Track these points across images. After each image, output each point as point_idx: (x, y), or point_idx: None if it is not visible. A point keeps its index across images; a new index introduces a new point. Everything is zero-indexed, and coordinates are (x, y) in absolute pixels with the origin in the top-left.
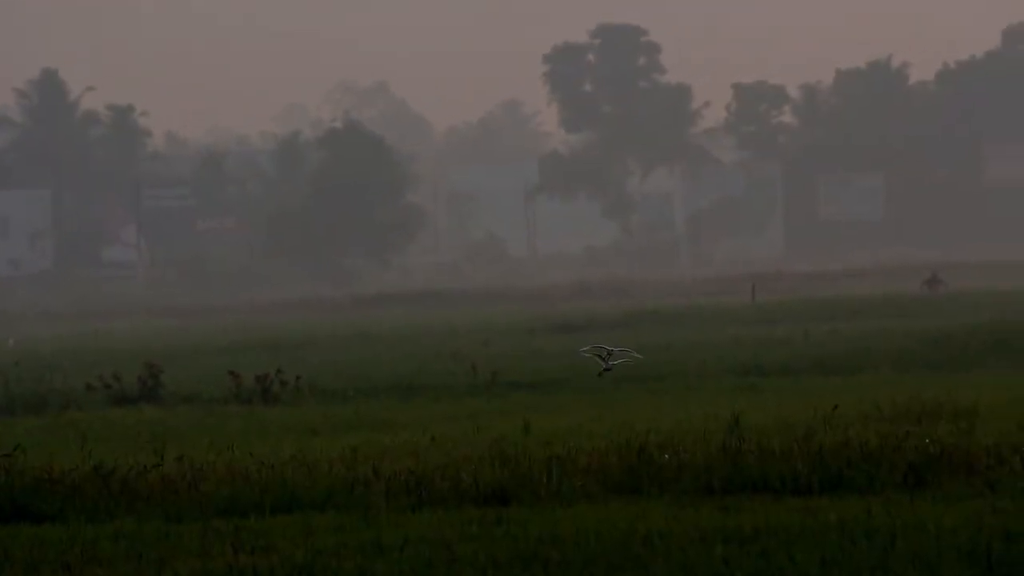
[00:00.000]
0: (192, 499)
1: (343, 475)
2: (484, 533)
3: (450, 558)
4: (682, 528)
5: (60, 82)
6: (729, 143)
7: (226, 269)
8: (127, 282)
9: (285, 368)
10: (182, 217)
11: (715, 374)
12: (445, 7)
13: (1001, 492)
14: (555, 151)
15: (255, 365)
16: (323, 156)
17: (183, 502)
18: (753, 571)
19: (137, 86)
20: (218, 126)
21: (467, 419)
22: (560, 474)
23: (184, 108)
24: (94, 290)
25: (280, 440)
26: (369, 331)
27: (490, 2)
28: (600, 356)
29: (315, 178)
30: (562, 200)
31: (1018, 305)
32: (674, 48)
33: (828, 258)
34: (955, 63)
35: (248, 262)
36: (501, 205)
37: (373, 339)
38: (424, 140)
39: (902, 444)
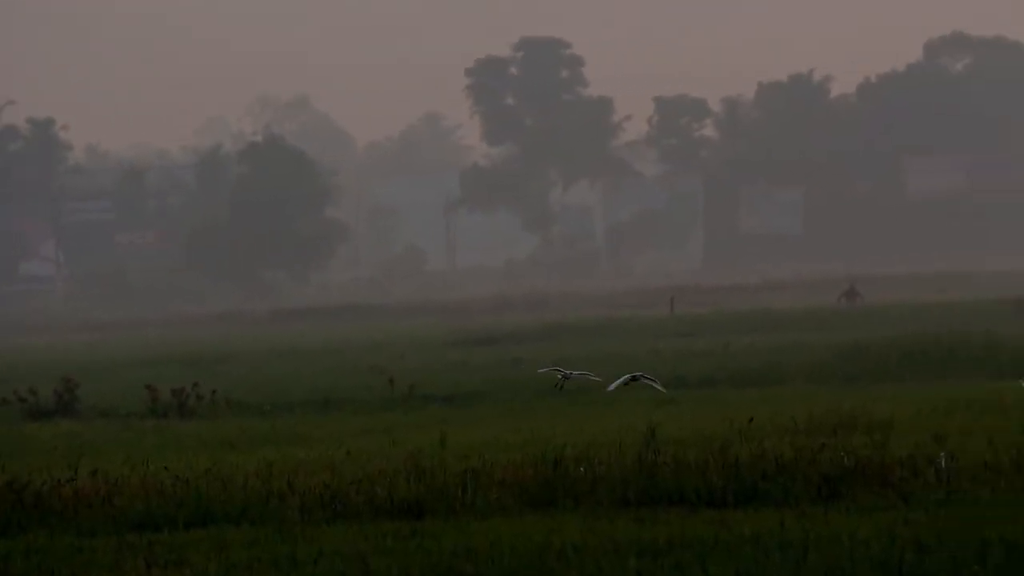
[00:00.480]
0: (106, 513)
1: (258, 489)
2: (399, 547)
3: (365, 572)
4: (597, 541)
5: None
6: (650, 156)
7: (146, 283)
8: (46, 296)
9: (203, 382)
10: (102, 231)
11: (631, 387)
12: (366, 20)
13: (915, 504)
14: (476, 164)
15: (173, 379)
16: (244, 170)
17: (97, 516)
18: None
19: (58, 100)
20: (139, 140)
21: (383, 433)
22: (475, 487)
23: (105, 122)
24: (12, 305)
25: (195, 454)
26: (288, 345)
27: (412, 15)
28: (560, 374)
29: (236, 192)
30: (483, 213)
31: (935, 317)
32: (596, 61)
33: (748, 271)
34: (876, 76)
35: (168, 276)
36: (422, 218)
37: (291, 353)
38: (345, 154)
39: (817, 456)
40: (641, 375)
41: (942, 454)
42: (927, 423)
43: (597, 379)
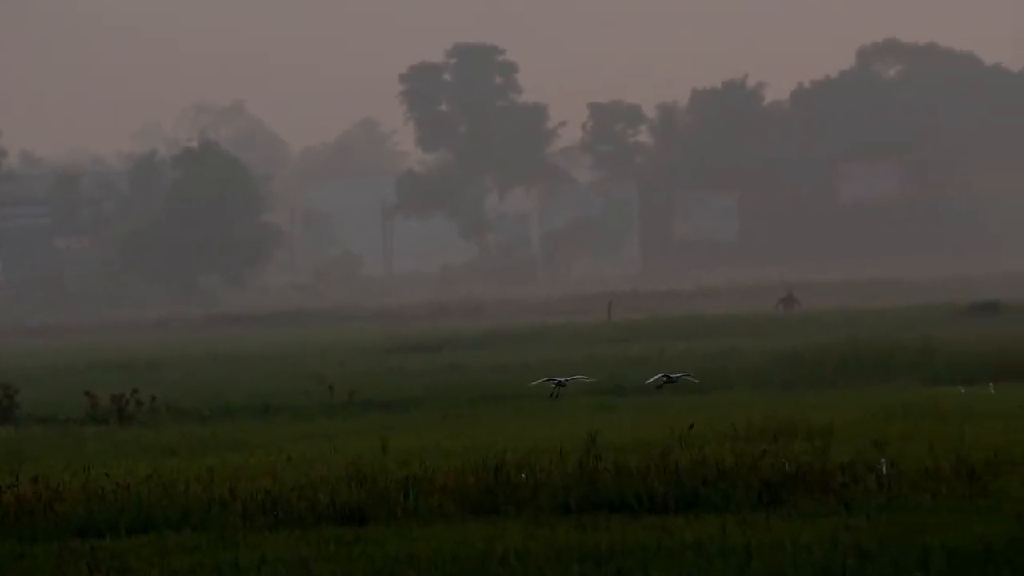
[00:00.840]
0: (47, 520)
1: (199, 495)
2: (341, 553)
3: None
4: (539, 547)
5: None
6: (585, 163)
7: (84, 288)
8: None
9: (142, 388)
10: (39, 236)
11: (572, 393)
12: (300, 26)
13: (856, 510)
14: (411, 170)
15: (112, 385)
16: (179, 176)
17: (38, 523)
18: None
19: None
20: (74, 145)
21: (324, 439)
22: (417, 494)
23: (39, 128)
24: None
25: (136, 460)
26: (225, 351)
27: (346, 21)
28: (553, 383)
29: (171, 198)
30: (418, 219)
31: (871, 324)
32: (531, 67)
33: (683, 277)
34: (810, 83)
35: (106, 281)
36: (358, 224)
37: (229, 359)
38: (280, 159)
39: (757, 463)
40: (680, 375)
41: (882, 460)
42: (866, 429)
43: (591, 380)
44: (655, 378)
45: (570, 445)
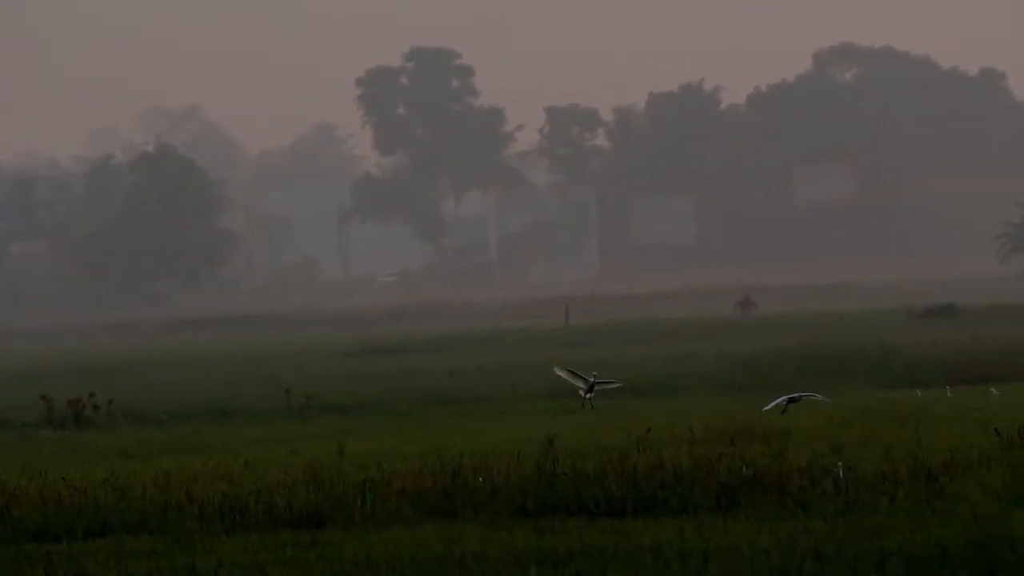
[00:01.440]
0: (4, 524)
1: (156, 499)
2: (298, 557)
3: None
4: (496, 550)
5: None
6: (542, 166)
7: (41, 293)
8: None
9: (98, 392)
10: None
11: (529, 396)
12: (256, 30)
13: (813, 513)
14: (368, 174)
15: (68, 389)
16: (135, 180)
17: None
18: None
19: None
20: (28, 149)
21: (281, 443)
22: (375, 497)
23: None
24: None
25: (93, 464)
26: (182, 355)
27: (302, 25)
28: (584, 384)
29: (127, 202)
30: (376, 223)
31: (828, 327)
32: (487, 71)
33: (641, 280)
34: (766, 87)
35: (62, 286)
36: (315, 228)
37: (186, 363)
38: (237, 163)
39: (715, 466)
40: (801, 395)
41: (839, 464)
42: (824, 433)
43: (619, 385)
44: (777, 402)
45: (527, 448)
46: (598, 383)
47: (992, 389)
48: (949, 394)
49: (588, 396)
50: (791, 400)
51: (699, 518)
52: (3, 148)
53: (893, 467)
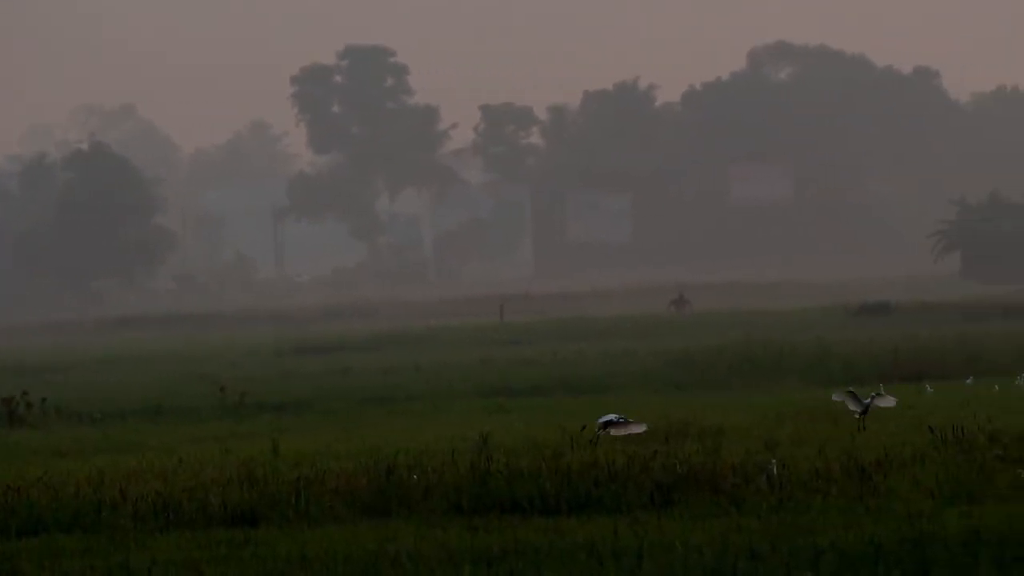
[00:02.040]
0: None
1: (90, 498)
2: (232, 555)
3: None
4: (431, 549)
5: None
6: (477, 164)
7: None
8: None
9: (32, 390)
10: None
11: (464, 395)
12: (189, 27)
13: (747, 510)
14: (303, 172)
15: (1, 388)
16: (69, 178)
17: None
18: None
19: None
20: None
21: (215, 441)
22: (309, 496)
23: None
24: None
25: (26, 463)
26: (117, 353)
27: (236, 23)
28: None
29: (62, 200)
30: (310, 221)
31: (764, 325)
32: (422, 70)
33: (577, 279)
34: (701, 85)
35: None
36: (250, 227)
37: (121, 361)
38: (171, 161)
39: (649, 464)
40: (619, 418)
41: (773, 461)
42: (758, 430)
43: (643, 428)
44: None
45: (462, 446)
46: (622, 420)
47: (927, 386)
48: (883, 391)
49: (862, 415)
50: (607, 424)
51: (633, 516)
52: None
53: (827, 465)
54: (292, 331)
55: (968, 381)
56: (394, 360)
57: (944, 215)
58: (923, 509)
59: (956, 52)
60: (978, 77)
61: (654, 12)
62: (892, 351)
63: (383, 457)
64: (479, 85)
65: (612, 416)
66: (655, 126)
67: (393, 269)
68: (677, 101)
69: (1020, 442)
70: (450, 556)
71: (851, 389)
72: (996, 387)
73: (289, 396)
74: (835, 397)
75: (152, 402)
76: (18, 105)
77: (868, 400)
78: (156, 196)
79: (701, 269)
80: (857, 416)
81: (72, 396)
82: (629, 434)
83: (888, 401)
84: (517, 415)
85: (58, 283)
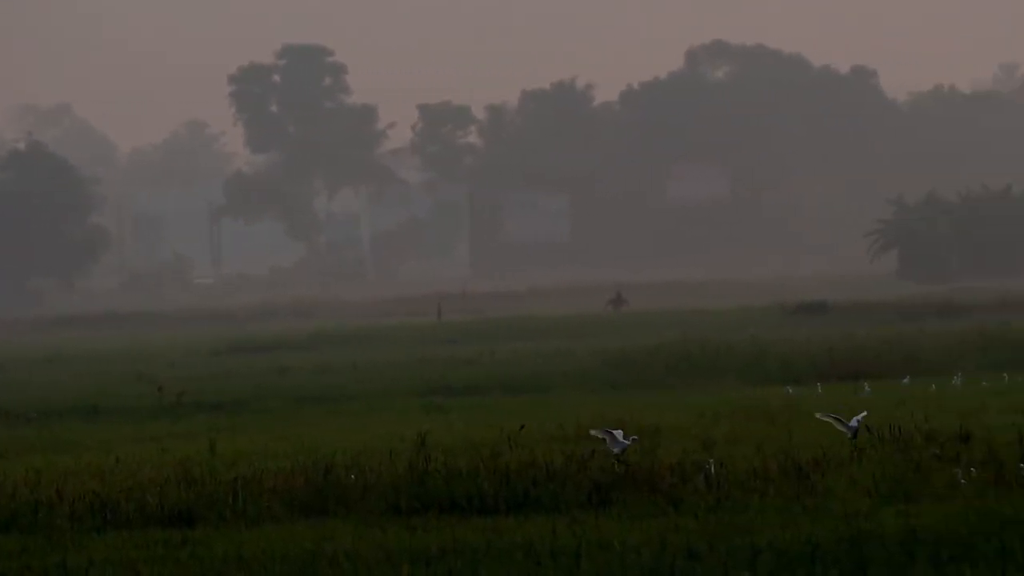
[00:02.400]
0: None
1: (27, 498)
2: (169, 555)
3: None
4: (368, 548)
5: None
6: (415, 164)
7: None
8: None
9: None
10: None
11: (401, 394)
12: (127, 27)
13: (684, 510)
14: (241, 172)
15: None
16: (5, 177)
17: None
18: None
19: None
20: None
21: (152, 441)
22: (246, 495)
23: None
24: None
25: None
26: (54, 352)
27: (173, 22)
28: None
29: None
30: (248, 221)
31: (701, 324)
32: (359, 69)
33: (514, 278)
34: (639, 84)
35: None
36: (187, 226)
37: (58, 360)
38: (109, 161)
39: (587, 463)
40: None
41: (711, 460)
42: (695, 430)
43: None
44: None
45: (400, 446)
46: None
47: (865, 386)
48: (820, 391)
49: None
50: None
51: (571, 515)
52: None
53: (764, 464)
54: (230, 330)
55: (905, 381)
56: (331, 359)
57: (881, 215)
58: (860, 508)
59: (894, 52)
60: (915, 77)
61: (592, 11)
62: (829, 350)
63: (321, 457)
64: (417, 84)
65: (615, 433)
66: (593, 126)
67: (331, 268)
68: (615, 100)
69: (956, 442)
70: (388, 556)
71: (838, 416)
72: (933, 387)
73: (226, 396)
74: (819, 416)
75: (89, 402)
76: None
77: (855, 423)
78: (93, 195)
79: (639, 268)
80: (850, 439)
81: (9, 396)
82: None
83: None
84: (455, 415)
85: None
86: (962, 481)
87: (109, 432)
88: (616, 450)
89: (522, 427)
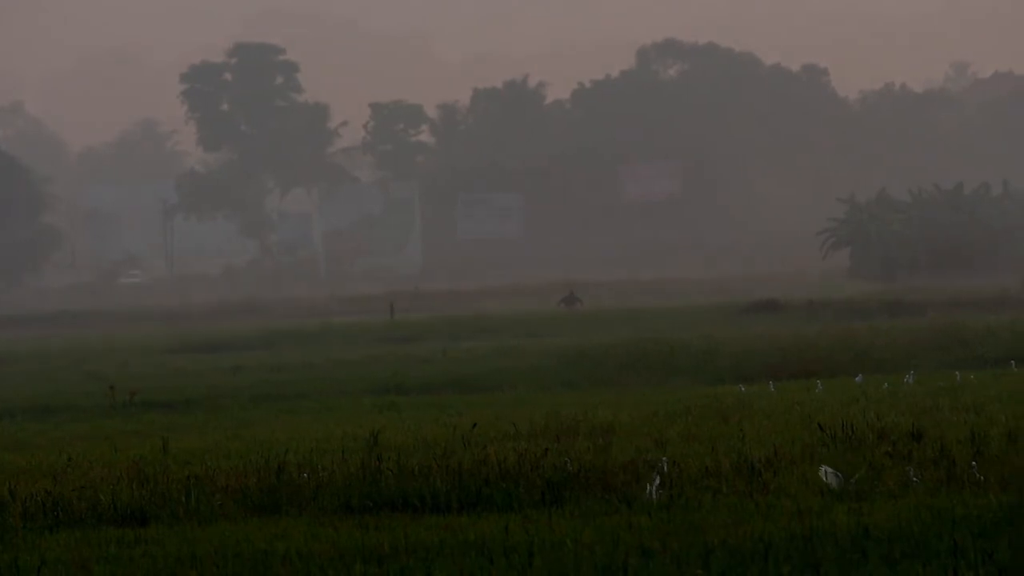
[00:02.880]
0: None
1: None
2: (122, 554)
3: None
4: (321, 547)
5: None
6: (368, 162)
7: None
8: None
9: None
10: None
11: (354, 392)
12: (76, 25)
13: (637, 508)
14: (193, 170)
15: None
16: None
17: None
18: None
19: None
20: None
21: (105, 439)
22: (199, 494)
23: None
24: None
25: None
26: (3, 352)
27: (124, 20)
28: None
29: None
30: (200, 219)
31: (654, 323)
32: (312, 67)
33: (467, 276)
34: (591, 82)
35: None
36: (140, 225)
37: (8, 360)
38: (60, 160)
39: (540, 461)
40: None
41: (664, 459)
42: (648, 428)
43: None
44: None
45: (353, 445)
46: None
47: (818, 384)
48: (772, 389)
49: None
50: None
51: (524, 514)
52: None
53: (717, 462)
54: (182, 329)
55: (858, 379)
56: (284, 358)
57: (833, 213)
58: (812, 506)
59: (845, 50)
60: (867, 76)
61: (543, 9)
62: (781, 349)
63: (273, 455)
64: (369, 83)
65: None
66: (545, 124)
67: (283, 267)
68: (567, 99)
69: (908, 439)
70: (341, 554)
71: (835, 472)
72: (885, 385)
73: (179, 394)
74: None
75: (41, 400)
76: None
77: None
78: (45, 194)
79: (592, 267)
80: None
81: None
82: None
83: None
84: (407, 413)
85: None
86: (914, 479)
87: (61, 431)
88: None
89: (474, 425)
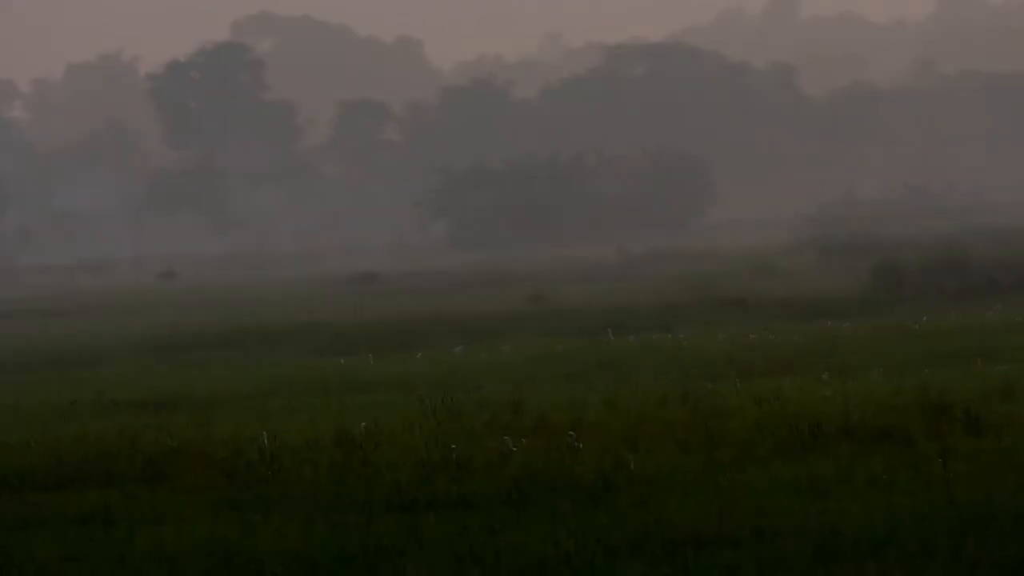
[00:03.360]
0: None
1: None
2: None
3: None
4: None
5: None
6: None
7: None
8: None
9: None
10: None
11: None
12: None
13: (238, 482)
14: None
15: None
16: None
17: None
18: None
19: None
20: None
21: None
22: None
23: None
24: None
25: None
26: None
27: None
28: None
29: None
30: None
31: (257, 300)
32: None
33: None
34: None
35: None
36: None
37: None
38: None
39: (139, 437)
40: None
41: (264, 433)
42: (249, 402)
43: None
44: None
45: None
46: None
47: (418, 355)
48: (372, 361)
49: None
50: None
51: (125, 490)
52: None
53: (318, 435)
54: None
55: (457, 350)
56: None
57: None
58: (413, 477)
59: (438, 22)
60: (460, 48)
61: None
62: (380, 321)
63: None
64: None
65: None
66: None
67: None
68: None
69: (507, 408)
70: None
71: None
72: (484, 355)
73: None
74: None
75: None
76: None
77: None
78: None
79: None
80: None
81: None
82: None
83: None
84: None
85: None
86: (513, 448)
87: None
88: None
89: (73, 401)
